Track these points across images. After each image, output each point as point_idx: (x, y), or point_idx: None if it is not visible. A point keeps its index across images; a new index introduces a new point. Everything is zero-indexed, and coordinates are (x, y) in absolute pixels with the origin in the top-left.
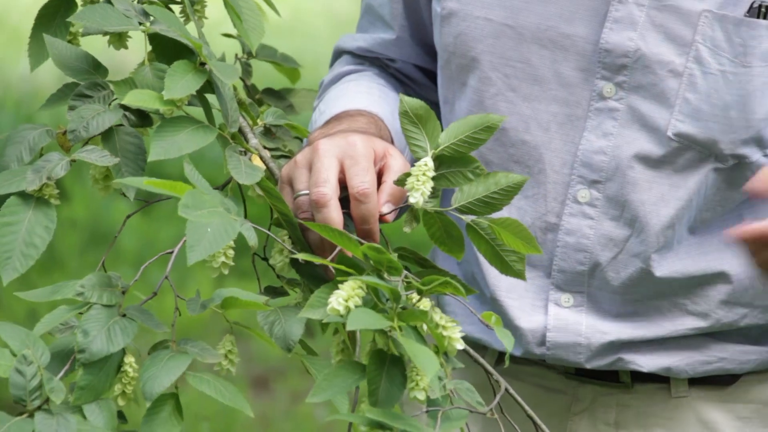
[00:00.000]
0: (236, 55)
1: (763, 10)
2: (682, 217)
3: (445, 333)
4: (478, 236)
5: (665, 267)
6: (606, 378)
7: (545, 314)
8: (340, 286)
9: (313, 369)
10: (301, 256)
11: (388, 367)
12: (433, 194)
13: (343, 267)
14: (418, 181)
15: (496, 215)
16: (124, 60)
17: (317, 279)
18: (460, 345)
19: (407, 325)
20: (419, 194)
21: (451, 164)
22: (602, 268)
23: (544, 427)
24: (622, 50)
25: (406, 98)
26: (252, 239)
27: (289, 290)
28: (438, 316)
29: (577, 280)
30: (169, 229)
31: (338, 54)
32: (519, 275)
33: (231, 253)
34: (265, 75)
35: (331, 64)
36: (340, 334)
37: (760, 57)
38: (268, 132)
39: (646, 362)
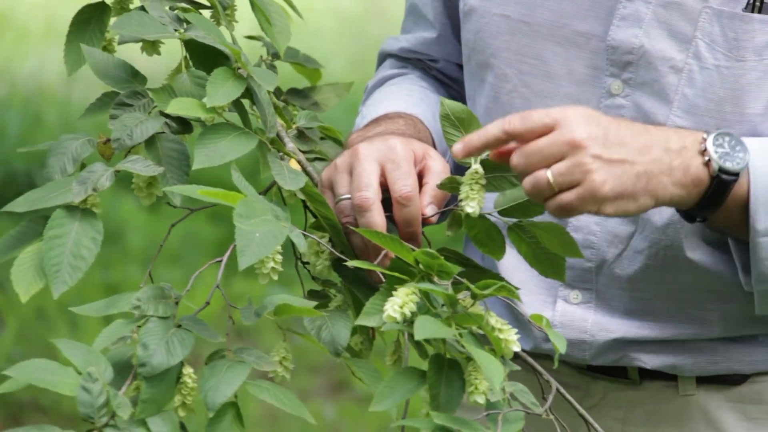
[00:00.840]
0: (261, 56)
1: (758, 4)
2: None
3: (501, 336)
4: (520, 238)
5: (672, 266)
6: (616, 374)
7: (553, 310)
8: (394, 293)
9: (359, 372)
10: (353, 263)
11: (446, 371)
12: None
13: (396, 274)
14: (472, 190)
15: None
16: (147, 66)
17: (360, 282)
18: (517, 347)
19: (467, 332)
20: (476, 203)
21: (496, 169)
22: (609, 265)
23: (597, 426)
24: (627, 47)
25: (447, 101)
26: (302, 246)
27: (329, 293)
28: (493, 320)
29: (584, 277)
30: (177, 228)
31: (383, 58)
32: (560, 277)
33: (279, 258)
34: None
35: (377, 68)
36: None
37: (754, 51)
38: (301, 135)
39: (651, 359)
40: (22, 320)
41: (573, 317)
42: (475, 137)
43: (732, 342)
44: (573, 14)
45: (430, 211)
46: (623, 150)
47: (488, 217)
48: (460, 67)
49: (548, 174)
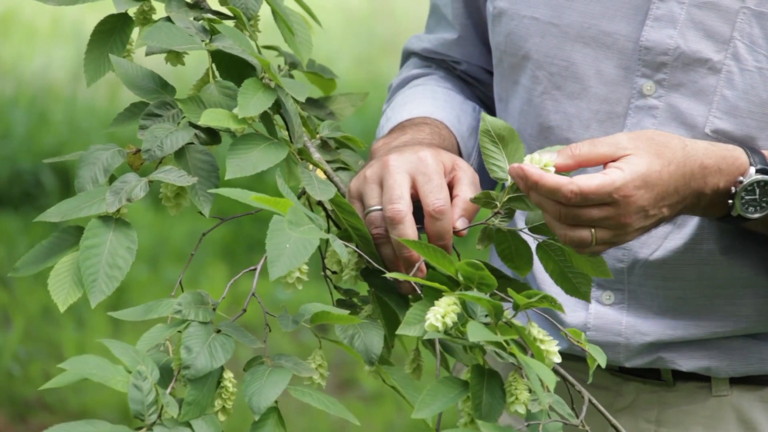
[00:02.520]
0: (278, 66)
1: None
2: None
3: (542, 347)
4: (548, 256)
5: (708, 261)
6: (648, 376)
7: (587, 311)
8: (436, 302)
9: (392, 380)
10: (392, 275)
11: (487, 381)
12: (508, 214)
13: (436, 284)
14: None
15: None
16: (165, 76)
17: (390, 292)
18: (557, 358)
19: (512, 340)
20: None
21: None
22: (641, 264)
23: (603, 410)
24: (662, 48)
25: (489, 118)
26: (344, 255)
27: (355, 302)
28: (536, 330)
29: (616, 277)
30: (182, 227)
31: (406, 56)
32: (584, 297)
33: (305, 268)
34: None
35: (401, 66)
36: (414, 349)
37: None
38: (324, 145)
39: (686, 362)
40: (28, 319)
41: (606, 319)
42: (532, 179)
43: (765, 342)
44: (601, 15)
45: (461, 224)
46: (664, 209)
47: (518, 233)
48: (484, 69)
49: (593, 234)
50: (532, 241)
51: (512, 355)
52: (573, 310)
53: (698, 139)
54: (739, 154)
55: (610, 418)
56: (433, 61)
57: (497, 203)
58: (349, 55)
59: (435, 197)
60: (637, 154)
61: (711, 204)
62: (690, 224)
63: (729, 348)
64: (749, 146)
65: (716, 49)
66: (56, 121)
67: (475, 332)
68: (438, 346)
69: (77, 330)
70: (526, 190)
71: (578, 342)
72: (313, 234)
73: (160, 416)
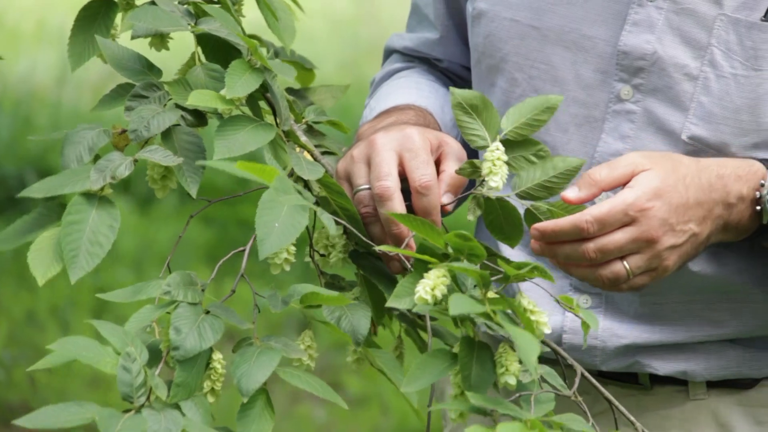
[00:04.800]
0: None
1: None
2: None
3: (533, 317)
4: (536, 221)
5: (684, 269)
6: (626, 380)
7: (563, 315)
8: (425, 275)
9: (378, 361)
10: (382, 248)
11: (477, 353)
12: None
13: (425, 257)
14: (494, 165)
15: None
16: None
17: (378, 273)
18: (548, 329)
19: (501, 310)
20: (498, 178)
21: (515, 149)
22: None
23: (622, 408)
24: (639, 53)
25: (457, 90)
26: (332, 229)
27: (344, 286)
28: (525, 301)
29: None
30: (168, 230)
31: (388, 53)
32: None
33: (293, 249)
34: None
35: (383, 63)
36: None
37: None
38: (310, 129)
39: (662, 366)
40: (12, 323)
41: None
42: (550, 229)
43: (742, 346)
44: (582, 19)
45: (446, 199)
46: (691, 224)
47: (506, 199)
48: (465, 68)
49: (626, 266)
50: (520, 208)
51: (499, 325)
52: (550, 314)
53: (680, 149)
54: (752, 161)
55: (603, 390)
56: (415, 59)
57: (481, 171)
58: (334, 58)
59: (421, 173)
60: (653, 169)
61: (741, 216)
62: None
63: (706, 352)
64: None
65: (694, 56)
66: (41, 125)
67: (458, 305)
68: (428, 322)
69: (62, 334)
70: (551, 250)
71: (570, 308)
72: (301, 202)
73: (148, 398)
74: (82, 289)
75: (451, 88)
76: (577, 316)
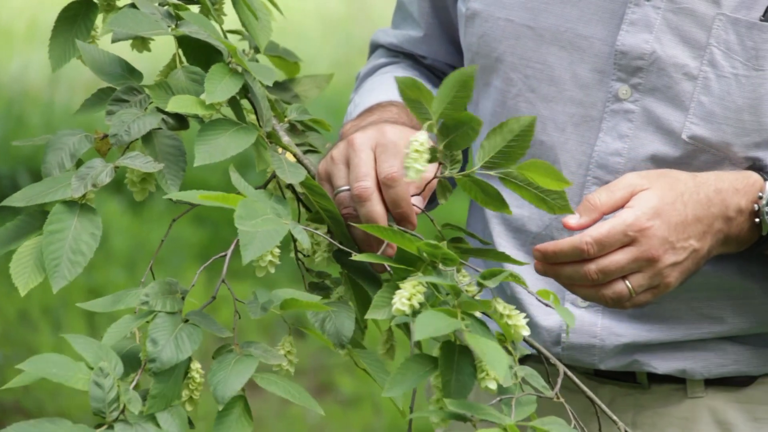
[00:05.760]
0: (243, 50)
1: None
2: None
3: (510, 322)
4: (515, 185)
5: None
6: (623, 379)
7: None
8: (401, 285)
9: (363, 362)
10: (360, 257)
11: (457, 358)
12: (453, 159)
13: (401, 266)
14: (410, 158)
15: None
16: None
17: (362, 272)
18: (526, 332)
19: (473, 320)
20: (412, 171)
21: (455, 127)
22: None
23: (604, 407)
24: (637, 52)
25: (400, 77)
26: (305, 242)
27: (328, 284)
28: (501, 306)
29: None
30: (160, 230)
31: (374, 47)
32: (566, 210)
33: (277, 251)
34: None
35: (368, 57)
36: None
37: None
38: (292, 128)
39: (661, 364)
40: (5, 323)
41: (582, 321)
42: (551, 250)
43: (740, 344)
44: (577, 18)
45: (413, 200)
46: (691, 241)
47: (473, 174)
48: (449, 66)
49: (628, 285)
50: (495, 180)
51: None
52: (548, 313)
53: (680, 149)
54: (749, 173)
55: (587, 390)
56: (400, 54)
57: (438, 155)
58: (327, 58)
59: (388, 165)
60: (651, 188)
61: (741, 228)
62: None
63: (704, 350)
64: (757, 167)
65: (693, 56)
66: (33, 125)
67: (425, 327)
68: (412, 325)
69: (54, 334)
70: (553, 271)
71: (547, 304)
72: (269, 225)
73: (122, 412)
74: (74, 289)
75: (395, 77)
76: (555, 310)
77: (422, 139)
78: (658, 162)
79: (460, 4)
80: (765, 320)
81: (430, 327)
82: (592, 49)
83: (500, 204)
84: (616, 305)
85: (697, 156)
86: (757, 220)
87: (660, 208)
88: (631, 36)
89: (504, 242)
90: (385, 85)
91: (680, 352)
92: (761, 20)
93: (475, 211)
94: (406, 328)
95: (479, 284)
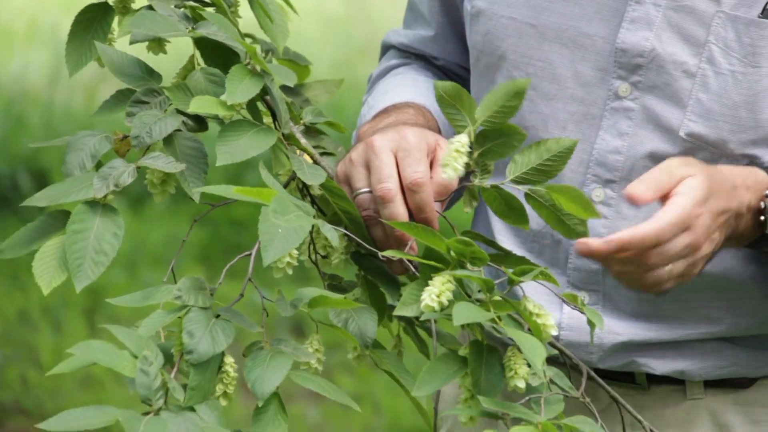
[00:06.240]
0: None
1: None
2: None
3: (539, 321)
4: (538, 204)
5: None
6: (623, 379)
7: (561, 312)
8: (430, 282)
9: (386, 363)
10: (387, 253)
11: (486, 357)
12: (485, 170)
13: (431, 262)
14: (450, 157)
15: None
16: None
17: (380, 274)
18: (554, 331)
19: (506, 315)
20: (450, 170)
21: (495, 136)
22: None
23: (629, 407)
24: (637, 50)
25: (439, 82)
26: (334, 240)
27: (344, 286)
28: (531, 305)
29: (591, 279)
30: (160, 230)
31: (385, 48)
32: (583, 235)
33: (295, 253)
34: None
35: (380, 58)
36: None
37: None
38: (308, 130)
39: (659, 365)
40: (5, 323)
41: (580, 320)
42: (627, 239)
43: (738, 345)
44: (579, 17)
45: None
46: (717, 233)
47: (503, 187)
48: (461, 67)
49: (669, 271)
50: (519, 194)
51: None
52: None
53: (678, 146)
54: (756, 170)
55: (610, 390)
56: (412, 55)
57: (470, 162)
58: (326, 58)
59: (413, 170)
60: (695, 175)
61: (746, 225)
62: None
63: (703, 351)
64: (755, 165)
65: (692, 53)
66: (33, 125)
67: (462, 314)
68: (434, 325)
69: (54, 334)
70: (612, 262)
71: (576, 307)
72: (301, 221)
73: (165, 401)
74: (74, 289)
75: (435, 82)
76: (582, 313)
77: (464, 140)
78: (657, 159)
79: (466, 2)
80: (763, 321)
81: (468, 315)
82: (594, 47)
83: (521, 219)
84: (649, 290)
85: (694, 153)
86: (762, 218)
87: (707, 196)
88: (632, 34)
89: (504, 239)
90: (400, 87)
91: (678, 352)
92: (759, 17)
93: (481, 209)
94: (414, 334)
95: (510, 282)
